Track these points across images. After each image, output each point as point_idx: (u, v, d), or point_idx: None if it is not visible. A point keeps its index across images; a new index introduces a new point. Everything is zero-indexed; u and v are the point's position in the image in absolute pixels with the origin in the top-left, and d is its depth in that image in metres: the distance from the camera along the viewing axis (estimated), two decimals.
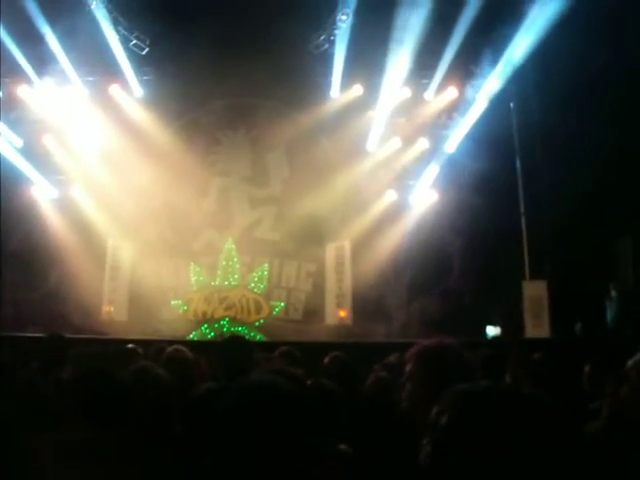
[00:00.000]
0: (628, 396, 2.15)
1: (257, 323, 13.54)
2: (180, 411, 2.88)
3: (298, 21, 12.59)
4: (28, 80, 13.63)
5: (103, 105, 14.10)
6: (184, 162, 13.81)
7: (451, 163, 13.68)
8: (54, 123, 14.03)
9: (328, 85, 14.12)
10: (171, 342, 5.60)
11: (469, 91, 13.67)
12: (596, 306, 10.86)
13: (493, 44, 12.71)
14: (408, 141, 14.22)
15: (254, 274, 14.01)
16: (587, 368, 4.44)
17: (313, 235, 13.89)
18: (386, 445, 3.07)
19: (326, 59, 13.79)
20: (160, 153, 14.01)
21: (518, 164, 13.75)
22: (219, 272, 13.95)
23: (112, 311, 13.22)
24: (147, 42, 13.82)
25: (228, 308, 13.60)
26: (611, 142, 10.76)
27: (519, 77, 13.06)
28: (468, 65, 13.64)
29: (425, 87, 14.03)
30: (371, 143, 14.26)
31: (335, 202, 13.91)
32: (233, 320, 13.48)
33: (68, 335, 6.68)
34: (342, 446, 2.22)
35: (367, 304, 13.08)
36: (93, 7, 12.67)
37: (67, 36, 12.95)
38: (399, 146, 14.22)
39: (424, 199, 14.07)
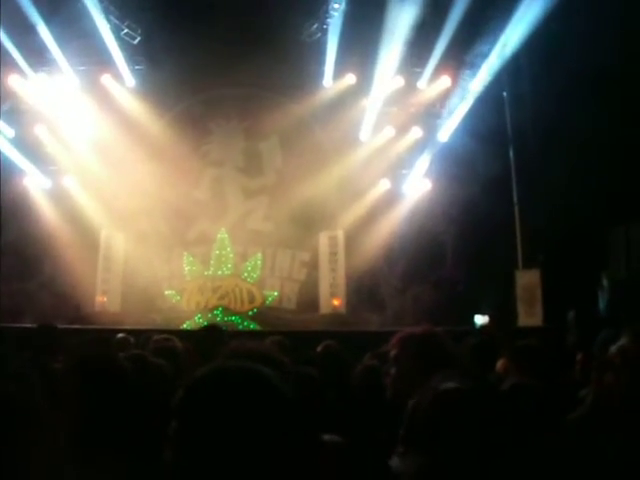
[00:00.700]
0: (612, 382, 2.17)
1: (250, 312, 13.57)
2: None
3: (291, 10, 12.58)
4: (19, 70, 13.51)
5: (95, 95, 14.01)
6: (177, 152, 13.76)
7: (444, 152, 13.70)
8: (46, 113, 13.94)
9: (321, 74, 14.06)
10: (161, 332, 5.60)
11: (462, 80, 13.66)
12: (589, 295, 10.90)
13: (486, 33, 12.69)
14: (401, 130, 14.22)
15: (247, 263, 14.02)
16: (579, 356, 4.46)
17: (307, 224, 13.89)
18: (375, 433, 3.09)
19: (319, 48, 13.73)
20: (153, 143, 13.95)
21: (511, 153, 13.77)
22: (212, 262, 13.95)
23: (105, 301, 13.19)
24: (139, 31, 13.72)
25: (221, 298, 13.62)
26: (605, 131, 10.77)
27: (512, 66, 13.07)
28: (461, 54, 13.62)
29: (418, 76, 13.99)
30: (364, 132, 14.25)
31: (329, 191, 13.90)
32: (226, 310, 13.50)
33: (61, 326, 6.68)
34: (327, 436, 2.22)
35: (361, 293, 13.13)
36: None
37: (58, 26, 12.87)
38: (392, 135, 14.21)
39: (418, 188, 14.10)
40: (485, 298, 12.49)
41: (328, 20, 13.34)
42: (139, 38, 13.79)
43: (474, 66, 13.43)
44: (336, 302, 13.33)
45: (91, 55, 13.82)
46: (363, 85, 13.98)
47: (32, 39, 12.86)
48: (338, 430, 2.45)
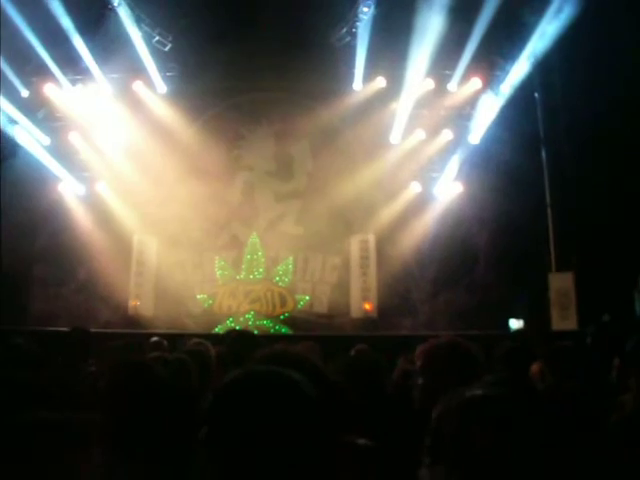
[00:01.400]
0: None
1: (282, 317, 13.60)
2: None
3: (320, 14, 12.57)
4: (54, 79, 13.79)
5: (127, 102, 14.20)
6: (208, 157, 13.85)
7: (475, 154, 13.57)
8: (80, 121, 14.18)
9: (351, 78, 14.06)
10: (194, 336, 5.64)
11: (493, 82, 13.54)
12: (625, 298, 10.71)
13: (517, 34, 12.58)
14: (432, 133, 14.13)
15: (279, 267, 14.06)
16: (617, 361, 4.37)
17: (337, 228, 13.89)
18: (408, 438, 3.06)
19: (348, 52, 13.74)
20: (184, 148, 14.09)
21: (543, 155, 13.61)
22: (244, 266, 14.02)
23: (138, 305, 13.33)
24: (169, 38, 13.88)
25: (253, 302, 13.69)
26: (638, 131, 10.59)
27: (544, 67, 12.92)
28: (492, 55, 13.52)
29: (448, 78, 13.91)
30: (395, 135, 14.19)
31: (359, 195, 13.86)
32: (258, 314, 13.56)
33: (94, 330, 6.77)
34: (361, 440, 2.21)
35: (392, 297, 13.07)
36: (116, 5, 12.79)
37: (92, 35, 13.10)
38: (423, 138, 14.14)
39: (449, 191, 13.99)
40: (518, 302, 12.34)
41: (357, 24, 13.35)
42: (170, 45, 13.96)
43: (505, 67, 13.31)
44: (367, 306, 13.29)
45: (123, 63, 14.00)
46: (393, 88, 13.94)
47: (66, 49, 13.08)
48: (370, 434, 2.43)
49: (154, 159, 13.92)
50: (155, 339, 5.68)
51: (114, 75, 14.19)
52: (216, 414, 1.40)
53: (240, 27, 13.11)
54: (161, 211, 13.95)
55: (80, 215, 14.03)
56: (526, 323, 12.07)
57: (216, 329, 13.12)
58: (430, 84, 13.94)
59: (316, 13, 12.40)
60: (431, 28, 12.17)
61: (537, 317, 11.98)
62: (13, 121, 13.09)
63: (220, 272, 14.08)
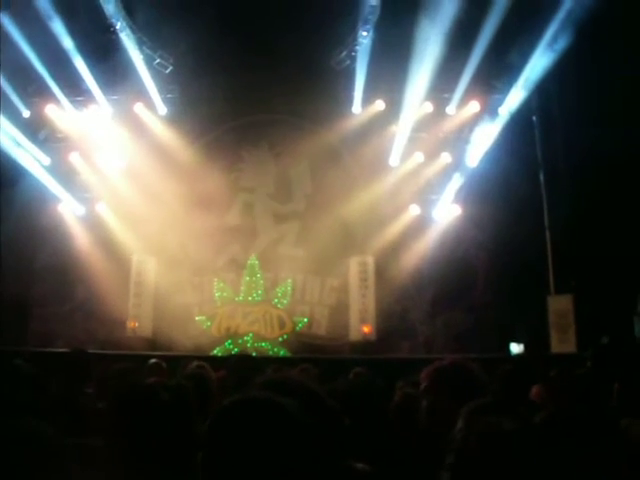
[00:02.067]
0: None
1: (280, 339, 13.56)
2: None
3: (319, 38, 12.69)
4: (55, 100, 13.89)
5: (128, 123, 14.28)
6: (208, 179, 13.87)
7: (474, 177, 13.63)
8: (80, 141, 14.26)
9: (350, 101, 14.17)
10: (194, 358, 5.63)
11: (491, 105, 13.64)
12: (624, 320, 10.70)
13: (515, 58, 12.69)
14: (431, 155, 14.20)
15: (278, 289, 14.05)
16: (616, 385, 4.36)
17: (336, 250, 13.86)
18: (411, 463, 3.05)
19: (348, 75, 13.85)
20: (184, 170, 14.13)
21: (542, 177, 13.66)
22: (243, 288, 14.00)
23: (137, 327, 13.27)
24: (171, 61, 14.00)
25: (252, 323, 13.66)
26: (636, 155, 10.65)
27: (541, 91, 13.02)
28: (490, 79, 13.64)
29: (447, 101, 14.03)
30: (394, 158, 14.27)
31: (358, 217, 13.89)
32: (257, 336, 13.53)
33: (92, 350, 6.75)
34: (359, 465, 2.21)
35: (391, 319, 13.05)
36: (118, 27, 12.92)
37: (92, 56, 13.22)
38: (422, 161, 14.21)
39: (447, 213, 14.03)
40: (517, 324, 12.32)
41: (357, 47, 13.49)
42: (171, 68, 14.07)
43: (503, 91, 13.42)
44: (366, 329, 13.24)
45: (124, 84, 14.12)
46: (392, 111, 14.04)
47: (68, 70, 13.20)
48: (367, 458, 2.43)
49: (154, 180, 13.95)
50: (154, 361, 5.66)
51: (115, 97, 14.31)
52: (211, 440, 1.46)
53: (240, 50, 13.23)
54: (160, 232, 13.96)
55: (79, 235, 14.03)
56: (527, 347, 12.03)
57: (215, 351, 13.10)
58: (429, 107, 14.05)
59: (316, 37, 12.52)
60: (430, 52, 12.29)
61: (537, 340, 11.95)
62: (15, 143, 13.16)
63: (219, 294, 14.06)
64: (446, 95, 13.97)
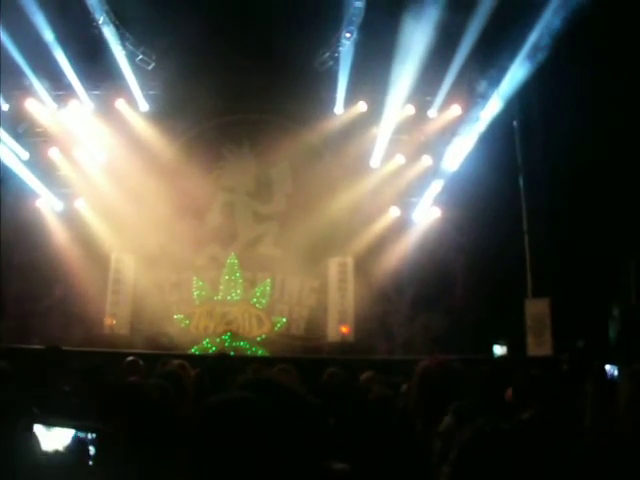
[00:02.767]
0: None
1: (259, 338, 13.55)
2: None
3: (303, 38, 12.70)
4: (35, 93, 13.74)
5: (109, 119, 14.19)
6: (188, 177, 13.83)
7: (454, 180, 13.71)
8: (60, 136, 14.12)
9: (332, 101, 14.20)
10: (171, 356, 5.62)
11: (473, 109, 13.73)
12: (599, 324, 10.82)
13: (496, 63, 12.79)
14: (411, 158, 14.27)
15: (256, 289, 14.03)
16: (589, 386, 4.41)
17: (316, 251, 13.87)
18: (387, 461, 3.07)
19: (331, 76, 13.88)
20: (165, 167, 14.08)
21: (521, 182, 13.77)
22: (221, 287, 13.97)
23: (114, 324, 13.20)
24: (153, 57, 13.92)
25: (230, 323, 13.62)
26: (615, 160, 10.78)
27: (522, 96, 13.12)
28: (471, 83, 13.73)
29: (429, 105, 14.11)
30: (375, 159, 14.32)
31: (338, 218, 13.92)
32: (235, 335, 13.49)
33: (69, 348, 6.69)
34: (337, 464, 2.22)
35: (369, 320, 13.07)
36: (101, 22, 12.81)
37: (74, 50, 13.08)
38: (402, 163, 14.28)
39: (427, 216, 14.10)
40: (496, 327, 12.40)
41: (340, 49, 13.51)
42: (153, 64, 13.98)
43: (484, 95, 13.51)
44: (344, 329, 13.28)
45: (106, 80, 14.04)
46: (374, 113, 14.08)
47: (48, 63, 13.05)
48: (342, 457, 2.44)
49: (134, 177, 13.86)
50: (131, 358, 5.63)
51: (96, 92, 14.20)
52: (198, 438, 1.50)
53: (224, 49, 13.19)
54: (140, 230, 13.86)
55: (57, 232, 13.90)
56: (509, 349, 12.11)
57: (192, 349, 13.05)
58: (411, 110, 14.12)
59: (299, 37, 12.52)
60: (413, 55, 12.35)
61: (515, 343, 12.04)
62: None
63: (197, 292, 14.01)
64: (428, 98, 14.04)
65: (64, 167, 14.23)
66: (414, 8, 11.73)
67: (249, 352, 13.20)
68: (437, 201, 14.05)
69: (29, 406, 2.81)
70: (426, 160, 14.26)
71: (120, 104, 14.29)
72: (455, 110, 14.07)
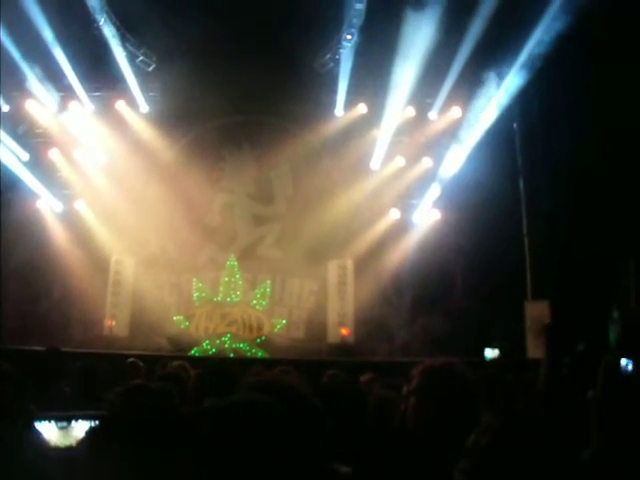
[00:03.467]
0: None
1: (258, 340, 13.52)
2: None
3: (304, 40, 12.71)
4: (35, 95, 13.73)
5: (109, 120, 14.18)
6: (189, 178, 13.84)
7: (454, 182, 13.69)
8: (60, 137, 14.12)
9: (333, 103, 14.19)
10: (171, 358, 5.61)
11: (473, 111, 13.72)
12: (599, 327, 10.80)
13: (497, 65, 12.78)
14: (412, 160, 14.27)
15: (256, 291, 14.01)
16: (590, 392, 4.40)
17: (316, 253, 13.87)
18: (389, 463, 3.06)
19: (331, 78, 13.88)
20: (165, 169, 14.08)
21: (521, 184, 13.76)
22: (221, 288, 13.94)
23: (114, 326, 13.17)
24: (154, 59, 13.92)
25: (230, 324, 13.60)
26: (614, 164, 10.78)
27: (522, 98, 13.11)
28: (472, 85, 13.70)
29: (429, 106, 14.10)
30: (375, 162, 14.32)
31: (338, 220, 13.92)
32: (235, 336, 13.47)
33: (68, 349, 6.69)
34: (342, 467, 2.21)
35: (369, 323, 13.06)
36: (101, 23, 12.80)
37: (75, 51, 13.07)
38: (403, 165, 14.27)
39: (427, 218, 14.09)
40: (495, 329, 12.38)
41: (340, 51, 13.50)
42: (154, 65, 13.98)
43: (485, 98, 13.50)
44: (344, 331, 13.26)
45: (106, 81, 14.04)
46: (374, 115, 14.08)
47: (49, 64, 13.05)
48: (343, 460, 2.43)
49: (134, 179, 13.88)
50: (131, 360, 5.62)
51: (96, 93, 14.19)
52: (207, 441, 1.51)
53: (225, 51, 13.19)
54: (139, 231, 13.86)
55: (57, 233, 13.90)
56: (501, 353, 12.09)
57: (192, 351, 13.02)
58: (411, 112, 14.12)
59: (300, 39, 12.53)
60: (413, 56, 12.34)
61: (514, 345, 12.01)
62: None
63: (197, 294, 13.99)
64: (428, 100, 14.04)
65: (64, 168, 14.22)
66: (415, 10, 11.73)
67: (249, 354, 13.18)
68: (437, 203, 14.04)
69: (29, 407, 2.77)
70: (426, 162, 14.26)
71: (120, 105, 14.28)
72: (456, 112, 14.07)
